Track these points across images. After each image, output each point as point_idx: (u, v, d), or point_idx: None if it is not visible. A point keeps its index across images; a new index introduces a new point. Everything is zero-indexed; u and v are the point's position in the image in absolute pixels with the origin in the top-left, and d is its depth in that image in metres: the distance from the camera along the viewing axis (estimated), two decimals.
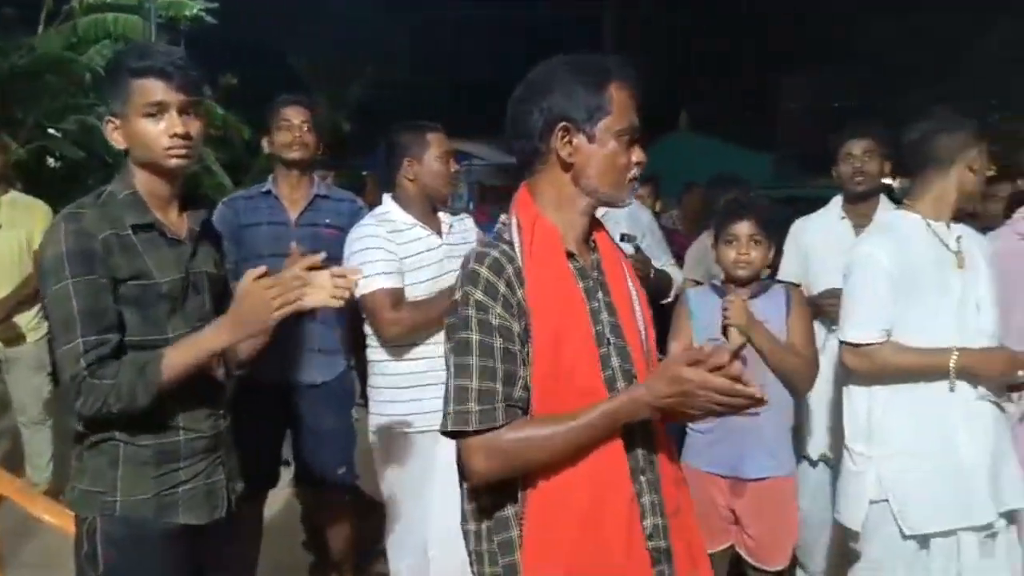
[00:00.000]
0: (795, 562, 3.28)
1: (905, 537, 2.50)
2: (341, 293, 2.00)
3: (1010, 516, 2.56)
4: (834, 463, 3.28)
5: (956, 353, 2.47)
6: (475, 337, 1.62)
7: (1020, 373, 2.50)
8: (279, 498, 4.33)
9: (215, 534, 2.11)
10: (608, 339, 1.72)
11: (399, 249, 2.99)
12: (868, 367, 2.57)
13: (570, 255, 1.73)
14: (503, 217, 1.78)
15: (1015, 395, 2.65)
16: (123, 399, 1.90)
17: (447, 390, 1.65)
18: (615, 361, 1.72)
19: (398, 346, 3.00)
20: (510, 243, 1.70)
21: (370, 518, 3.65)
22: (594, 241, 1.81)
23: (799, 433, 3.21)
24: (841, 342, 2.62)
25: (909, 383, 2.53)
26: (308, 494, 3.90)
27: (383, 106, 14.48)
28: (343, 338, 3.47)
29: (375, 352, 3.06)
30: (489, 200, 14.26)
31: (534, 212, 1.72)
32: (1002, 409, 2.57)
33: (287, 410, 3.41)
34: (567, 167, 1.72)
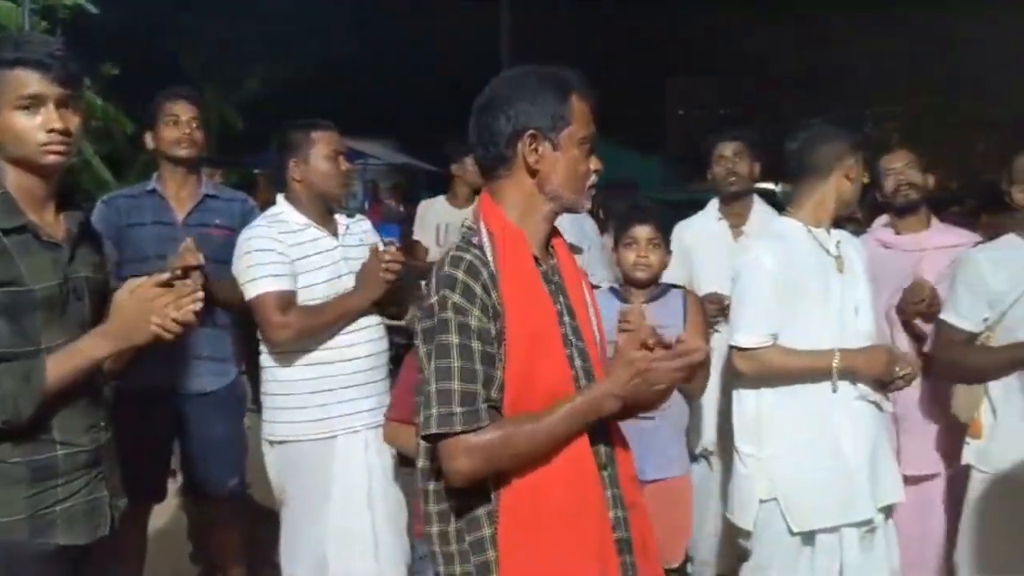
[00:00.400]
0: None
1: (792, 534, 2.59)
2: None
3: (888, 511, 2.68)
4: (717, 459, 3.38)
5: (838, 355, 2.57)
6: (455, 340, 1.65)
7: (897, 370, 2.61)
8: (165, 509, 4.16)
9: (97, 553, 2.00)
10: (571, 340, 1.78)
11: (291, 251, 2.91)
12: (756, 370, 2.64)
13: (535, 259, 1.78)
14: (466, 221, 1.82)
15: (890, 395, 2.76)
16: (6, 411, 1.79)
17: (427, 394, 1.66)
18: (577, 362, 1.78)
19: (290, 352, 2.92)
20: (480, 247, 1.73)
21: (262, 527, 3.55)
22: (552, 247, 1.86)
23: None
24: (730, 346, 2.68)
25: (795, 385, 2.62)
26: (196, 505, 3.76)
27: (280, 103, 14.14)
28: (235, 343, 3.36)
29: (266, 358, 2.98)
30: (384, 199, 14.14)
31: (502, 217, 1.76)
32: (881, 408, 2.69)
33: (175, 420, 3.28)
34: (533, 173, 1.76)
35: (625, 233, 2.96)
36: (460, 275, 1.67)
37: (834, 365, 2.57)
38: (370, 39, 21.52)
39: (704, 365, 1.70)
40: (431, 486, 1.75)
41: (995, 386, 2.78)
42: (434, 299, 1.68)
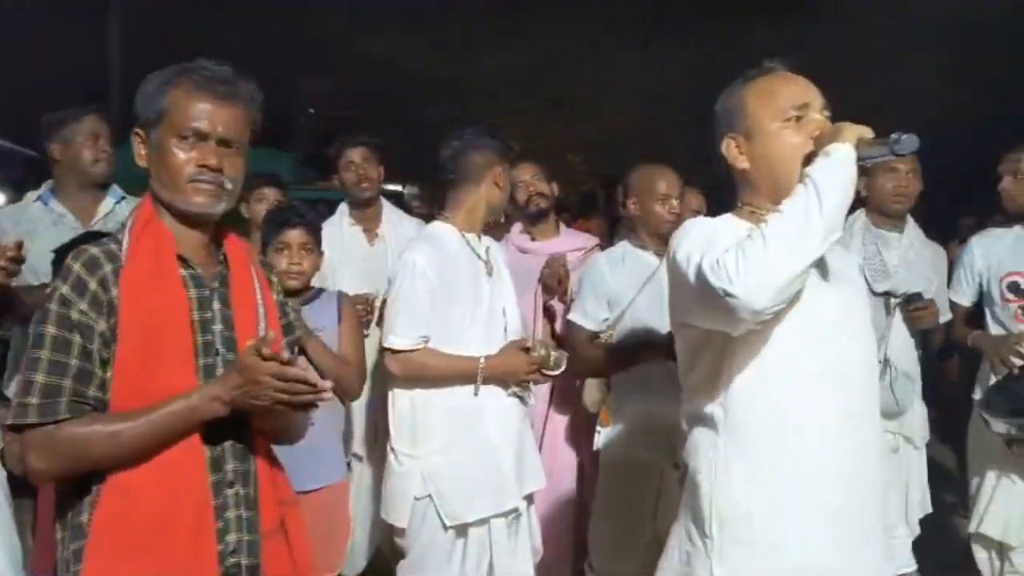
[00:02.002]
0: None
1: (446, 529, 2.66)
2: None
3: (530, 498, 2.86)
4: (366, 462, 3.40)
5: (483, 361, 2.68)
6: (51, 331, 1.59)
7: (535, 358, 2.75)
8: None
9: None
10: (218, 350, 1.70)
11: None
12: (408, 372, 2.68)
13: (184, 261, 1.70)
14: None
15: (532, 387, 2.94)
16: None
17: (18, 383, 1.60)
18: (220, 372, 1.69)
19: None
20: (119, 242, 1.67)
21: None
22: (225, 255, 1.78)
23: None
24: (383, 348, 2.71)
25: (443, 387, 2.70)
26: None
27: None
28: None
29: None
30: None
31: (149, 215, 1.69)
32: (525, 403, 2.87)
33: None
34: (148, 171, 1.71)
35: (276, 238, 2.85)
36: (76, 267, 1.62)
37: (479, 370, 2.68)
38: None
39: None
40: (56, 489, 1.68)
41: (619, 378, 3.10)
42: (48, 289, 1.65)
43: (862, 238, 3.14)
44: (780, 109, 1.79)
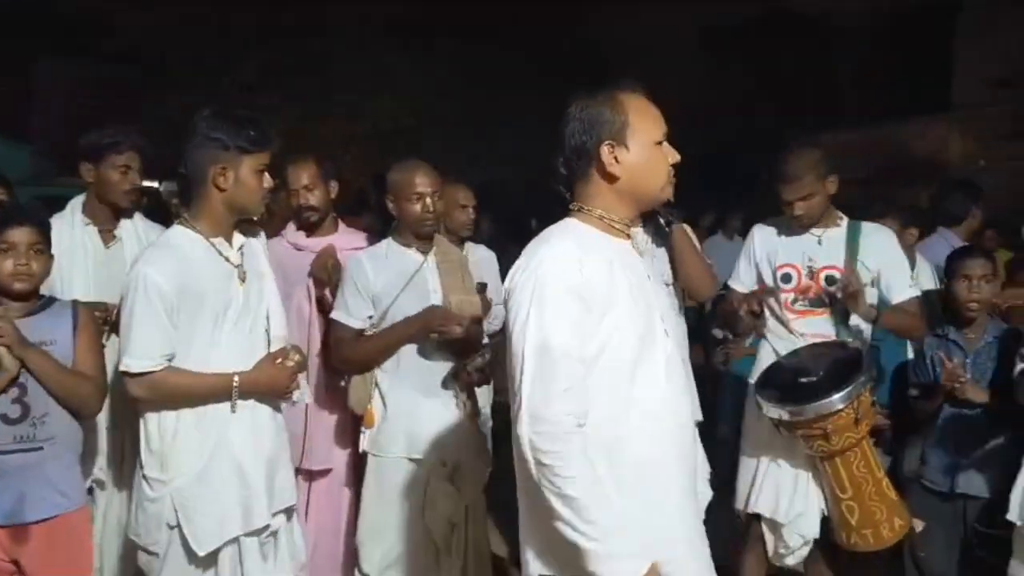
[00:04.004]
0: None
1: (198, 556, 2.50)
2: None
3: (288, 512, 2.71)
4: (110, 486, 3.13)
5: (237, 378, 2.51)
6: None
7: (293, 367, 2.64)
8: None
9: None
10: None
11: None
12: (151, 395, 2.48)
13: None
14: None
15: (296, 394, 2.81)
16: None
17: None
18: None
19: None
20: None
21: None
22: None
23: None
24: (122, 371, 2.48)
25: (195, 407, 2.51)
26: None
27: None
28: None
29: None
30: None
31: None
32: (281, 416, 2.72)
33: None
34: None
35: (1, 238, 2.56)
36: None
37: (234, 387, 2.51)
38: None
39: None
40: None
41: (383, 380, 3.08)
42: None
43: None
44: (656, 131, 1.95)
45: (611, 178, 1.93)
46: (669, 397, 1.95)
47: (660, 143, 1.96)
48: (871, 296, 3.25)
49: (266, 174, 2.58)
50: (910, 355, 3.69)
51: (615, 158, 1.92)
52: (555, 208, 2.05)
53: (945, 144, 6.65)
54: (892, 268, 3.27)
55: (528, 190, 5.06)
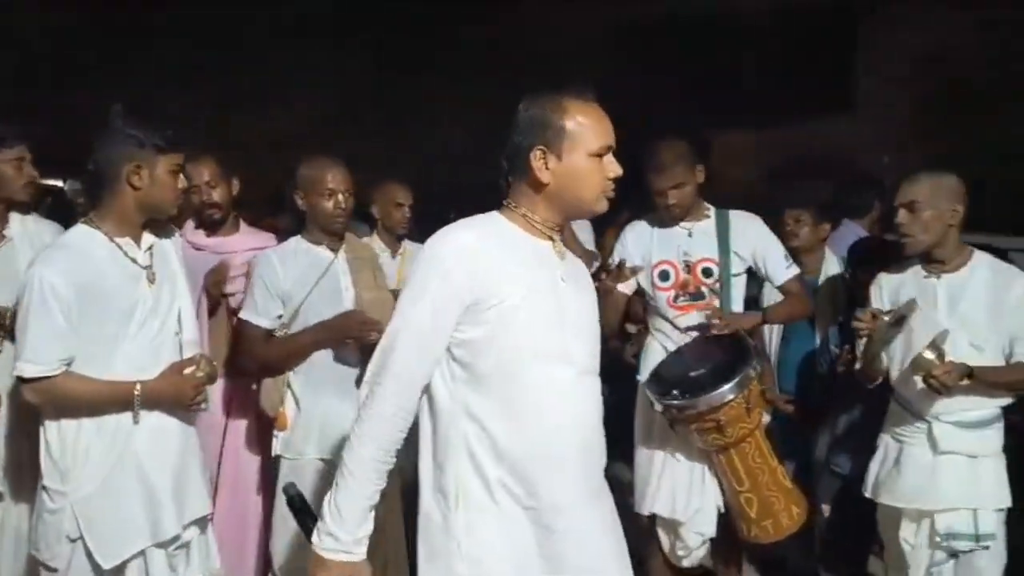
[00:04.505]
0: None
1: (103, 570, 2.42)
2: None
3: (201, 523, 2.64)
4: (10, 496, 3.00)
5: (139, 386, 2.43)
6: None
7: (200, 379, 2.55)
8: None
9: None
10: None
11: None
12: (48, 401, 2.39)
13: None
14: None
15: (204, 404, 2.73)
16: None
17: None
18: None
19: None
20: None
21: None
22: None
23: None
24: (16, 376, 2.39)
25: (96, 416, 2.43)
26: None
27: None
28: None
29: None
30: None
31: None
32: (191, 424, 2.64)
33: None
34: None
35: None
36: None
37: (136, 396, 2.43)
38: None
39: None
40: None
41: (296, 381, 3.03)
42: None
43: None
44: (596, 142, 1.91)
45: (538, 183, 1.93)
46: (569, 392, 1.96)
47: (600, 155, 1.92)
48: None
49: (181, 175, 2.54)
50: (818, 341, 3.76)
51: (545, 164, 1.91)
52: (478, 202, 2.06)
53: (850, 141, 6.86)
54: (767, 252, 3.33)
55: (451, 187, 5.01)
